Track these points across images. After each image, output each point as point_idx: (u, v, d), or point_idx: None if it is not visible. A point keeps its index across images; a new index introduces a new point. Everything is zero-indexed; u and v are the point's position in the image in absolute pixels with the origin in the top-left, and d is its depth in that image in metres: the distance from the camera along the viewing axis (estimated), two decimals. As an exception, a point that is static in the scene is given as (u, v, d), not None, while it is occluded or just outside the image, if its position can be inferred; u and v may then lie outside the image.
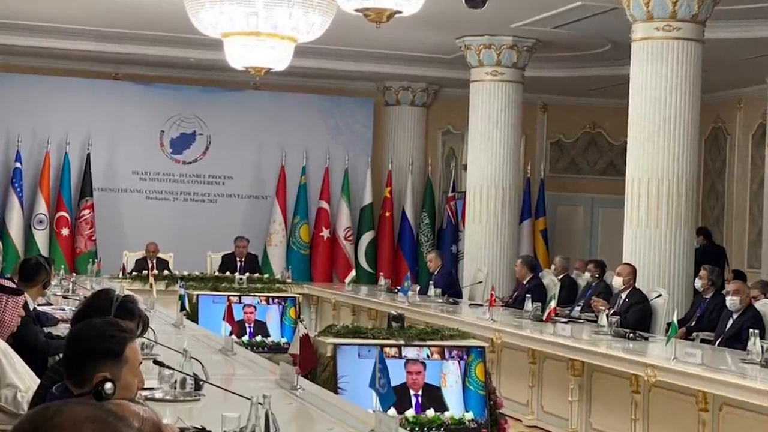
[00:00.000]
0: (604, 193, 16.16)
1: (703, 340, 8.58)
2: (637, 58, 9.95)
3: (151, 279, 11.02)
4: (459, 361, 6.39)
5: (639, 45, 9.96)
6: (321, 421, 4.45)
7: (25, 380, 4.65)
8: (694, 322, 9.21)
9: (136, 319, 4.12)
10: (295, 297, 10.54)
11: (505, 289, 12.51)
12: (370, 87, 15.94)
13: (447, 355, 6.39)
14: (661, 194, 9.78)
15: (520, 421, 8.61)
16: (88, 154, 14.44)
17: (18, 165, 14.17)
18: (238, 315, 9.91)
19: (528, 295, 9.91)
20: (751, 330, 6.88)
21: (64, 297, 9.59)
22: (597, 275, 10.70)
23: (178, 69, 14.96)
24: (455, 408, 6.31)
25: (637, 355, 7.12)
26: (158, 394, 4.48)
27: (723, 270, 11.72)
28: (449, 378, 6.36)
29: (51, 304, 8.54)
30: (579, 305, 10.61)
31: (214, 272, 13.09)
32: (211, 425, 3.79)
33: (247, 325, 9.95)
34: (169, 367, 4.44)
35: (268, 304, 10.15)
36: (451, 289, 11.95)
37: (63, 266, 12.60)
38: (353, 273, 13.77)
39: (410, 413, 6.19)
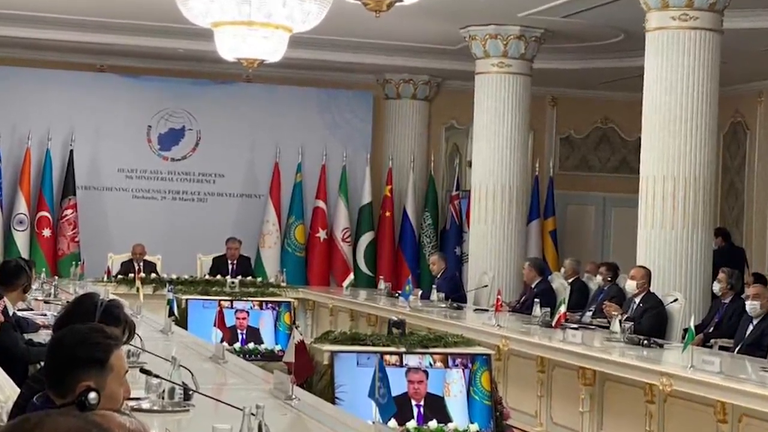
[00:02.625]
0: (616, 192, 16.16)
1: (721, 347, 8.58)
2: (652, 49, 9.95)
3: (138, 282, 11.01)
4: (463, 370, 6.39)
5: (653, 35, 9.95)
6: (317, 433, 4.45)
7: (5, 390, 4.65)
8: (712, 328, 9.22)
9: (121, 325, 4.12)
10: (290, 302, 10.54)
11: (512, 293, 12.51)
12: (370, 79, 15.94)
13: (451, 363, 6.39)
14: (677, 193, 9.78)
15: (528, 432, 8.62)
16: (71, 151, 14.44)
17: (-3, 162, 14.18)
18: (229, 321, 9.91)
19: (536, 300, 9.91)
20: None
21: (46, 302, 9.59)
22: (609, 278, 10.71)
23: (166, 60, 14.96)
24: (459, 419, 6.31)
25: (651, 363, 7.12)
26: (145, 405, 4.48)
27: (742, 273, 11.73)
28: (453, 387, 6.36)
29: (32, 309, 8.55)
30: (590, 310, 10.62)
31: (205, 275, 13.09)
32: (201, 437, 3.79)
33: (239, 331, 9.96)
34: (156, 376, 4.44)
35: (262, 309, 10.15)
36: (455, 294, 11.95)
37: (44, 269, 12.59)
38: (351, 276, 13.78)
39: (412, 425, 6.19)
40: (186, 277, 12.57)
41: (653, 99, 9.93)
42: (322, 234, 15.27)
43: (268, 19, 8.51)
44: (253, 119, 15.26)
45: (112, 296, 5.29)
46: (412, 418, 6.23)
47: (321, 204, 15.29)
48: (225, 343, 7.93)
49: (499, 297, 10.27)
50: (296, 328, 6.32)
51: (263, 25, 8.60)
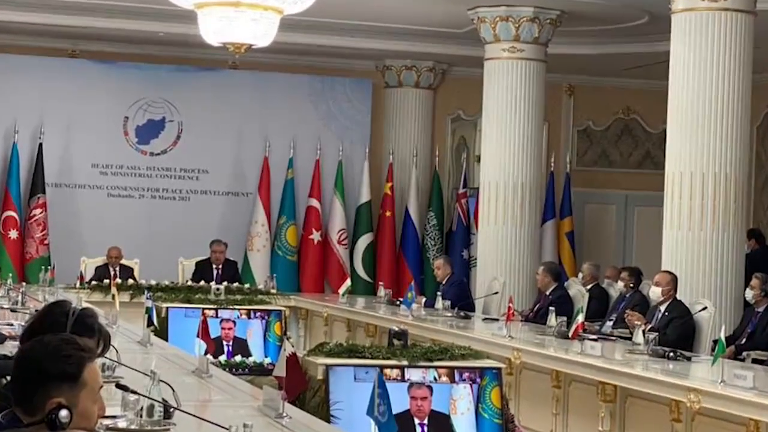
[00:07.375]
0: (639, 190, 16.17)
1: (754, 360, 8.59)
2: (678, 32, 9.96)
3: (114, 289, 11.01)
4: (471, 385, 6.39)
5: (680, 17, 9.96)
6: (311, 455, 4.45)
7: (-33, 407, 4.65)
8: (744, 340, 9.23)
9: (95, 335, 4.12)
10: (280, 310, 10.54)
11: (525, 301, 12.52)
12: (369, 66, 15.95)
13: (457, 377, 6.40)
14: (706, 191, 9.78)
15: (543, 454, 8.63)
16: (40, 144, 14.44)
17: (-41, 157, 14.21)
18: (214, 331, 9.91)
19: (551, 308, 9.93)
20: (810, 348, 6.90)
21: (12, 310, 9.58)
22: (631, 285, 10.71)
23: (145, 45, 14.97)
24: (467, 439, 6.31)
25: (678, 377, 7.13)
26: (122, 423, 4.48)
27: (778, 279, 11.73)
28: (460, 404, 6.36)
29: (-3, 319, 8.55)
30: (611, 320, 10.62)
31: (187, 281, 13.09)
32: (183, 459, 3.79)
33: (224, 342, 9.96)
34: (134, 392, 4.44)
35: (250, 318, 10.15)
36: (462, 301, 11.95)
37: (11, 274, 12.60)
38: (348, 282, 13.75)
39: (415, 445, 6.20)
40: (166, 283, 12.57)
41: (680, 87, 9.94)
42: (316, 236, 15.27)
43: (257, 0, 8.51)
44: (241, 110, 15.25)
45: (85, 304, 5.29)
46: (415, 438, 6.23)
47: (315, 203, 15.29)
48: (209, 356, 7.93)
49: (510, 305, 10.27)
50: (288, 339, 6.33)
51: (251, 6, 8.61)
